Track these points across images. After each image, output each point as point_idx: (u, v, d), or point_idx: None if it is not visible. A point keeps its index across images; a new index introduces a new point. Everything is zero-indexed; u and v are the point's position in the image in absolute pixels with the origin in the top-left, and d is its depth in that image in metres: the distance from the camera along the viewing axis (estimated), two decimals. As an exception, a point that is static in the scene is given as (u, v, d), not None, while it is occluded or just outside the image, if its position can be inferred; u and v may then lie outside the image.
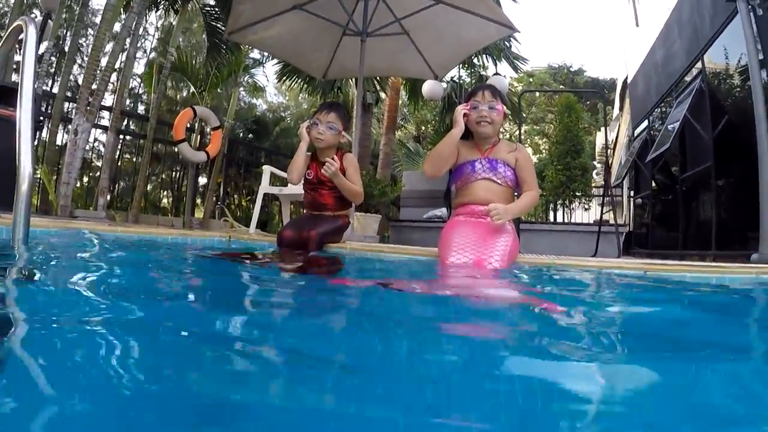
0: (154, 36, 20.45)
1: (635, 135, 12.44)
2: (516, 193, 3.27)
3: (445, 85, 11.94)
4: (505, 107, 3.24)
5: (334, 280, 2.30)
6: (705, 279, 2.80)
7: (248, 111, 22.10)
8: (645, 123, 11.38)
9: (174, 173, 14.44)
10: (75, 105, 7.26)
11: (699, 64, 7.79)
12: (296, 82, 12.11)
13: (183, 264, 2.60)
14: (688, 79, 8.39)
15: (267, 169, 6.37)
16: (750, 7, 5.51)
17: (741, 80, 6.56)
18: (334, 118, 3.64)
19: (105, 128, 8.80)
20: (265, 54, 12.24)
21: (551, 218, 15.29)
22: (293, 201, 6.42)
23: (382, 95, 12.97)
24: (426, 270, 3.00)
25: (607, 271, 2.96)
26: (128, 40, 8.23)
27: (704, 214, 7.93)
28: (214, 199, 10.97)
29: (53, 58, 14.44)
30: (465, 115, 3.12)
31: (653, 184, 10.85)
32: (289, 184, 6.46)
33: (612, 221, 7.62)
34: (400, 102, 13.89)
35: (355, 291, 1.95)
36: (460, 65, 11.32)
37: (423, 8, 6.00)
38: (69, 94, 8.72)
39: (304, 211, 3.99)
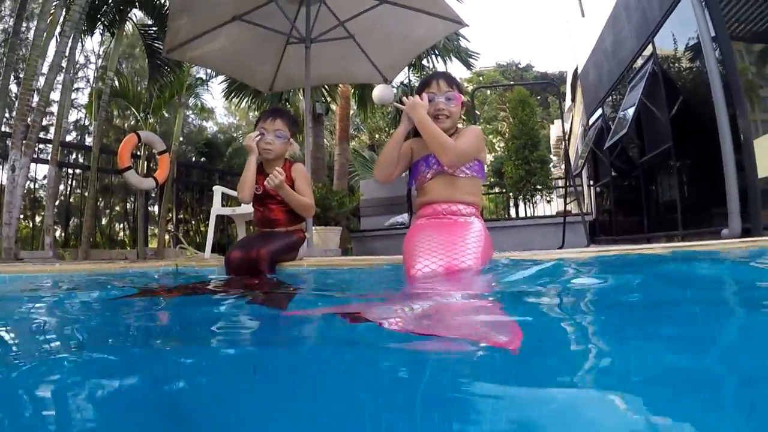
0: (96, 64, 19.97)
1: (590, 124, 12.49)
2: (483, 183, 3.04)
3: (395, 90, 11.82)
4: (463, 95, 2.96)
5: (288, 313, 1.87)
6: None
7: (199, 134, 21.79)
8: (599, 111, 11.42)
9: (128, 204, 14.01)
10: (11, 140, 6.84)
11: (650, 48, 7.81)
12: (243, 99, 11.87)
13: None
14: (639, 63, 8.42)
15: (218, 190, 6.10)
16: None
17: (693, 59, 6.57)
18: (281, 125, 3.33)
19: (47, 162, 8.38)
20: (210, 72, 11.96)
21: (513, 214, 15.29)
22: (249, 221, 6.15)
23: (333, 106, 12.79)
24: (389, 282, 2.69)
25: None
26: (63, 67, 7.85)
27: (667, 195, 7.96)
28: (169, 226, 10.60)
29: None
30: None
31: (612, 171, 10.88)
32: (242, 204, 6.22)
33: (575, 211, 7.55)
34: (352, 112, 13.73)
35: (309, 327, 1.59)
36: (410, 68, 11.23)
37: (367, 9, 5.82)
38: (10, 130, 8.24)
39: (254, 228, 3.65)
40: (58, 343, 1.40)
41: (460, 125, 3.04)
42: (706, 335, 1.21)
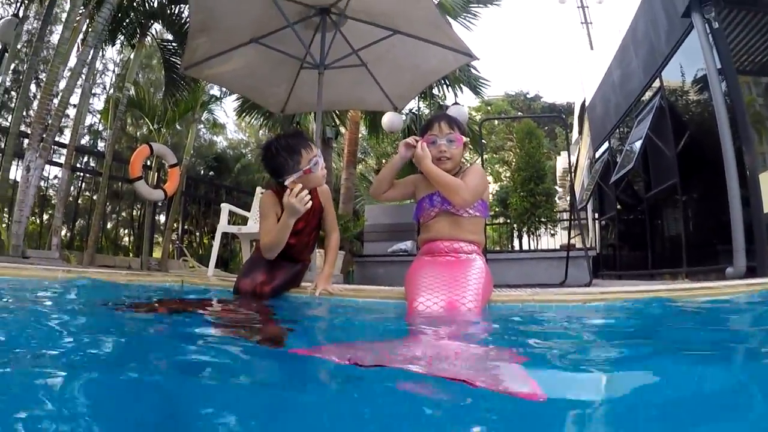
0: (114, 72, 20.21)
1: (596, 157, 12.55)
2: (486, 223, 3.11)
3: (404, 117, 11.90)
4: (464, 136, 3.05)
5: (294, 350, 1.85)
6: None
7: (209, 148, 21.95)
8: (606, 144, 11.49)
9: (134, 211, 14.13)
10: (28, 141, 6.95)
11: (657, 82, 7.88)
12: (255, 118, 11.99)
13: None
14: (647, 97, 8.49)
15: (225, 207, 6.18)
16: (705, 20, 5.60)
17: (700, 94, 6.64)
18: (317, 150, 3.12)
19: (60, 165, 8.49)
20: (224, 90, 12.09)
21: (517, 246, 15.30)
22: (253, 239, 6.22)
23: (342, 129, 12.88)
24: (394, 323, 2.60)
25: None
26: (83, 75, 7.99)
27: (672, 231, 7.97)
28: (174, 238, 10.68)
29: (13, 93, 14.11)
30: (409, 145, 2.96)
31: (618, 205, 10.92)
32: (249, 223, 6.30)
33: (579, 245, 7.59)
34: (360, 136, 13.81)
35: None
36: (419, 96, 11.31)
37: (380, 39, 5.92)
38: (29, 130, 8.34)
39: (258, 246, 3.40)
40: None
41: (467, 154, 3.14)
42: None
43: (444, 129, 2.96)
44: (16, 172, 7.65)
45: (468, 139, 3.12)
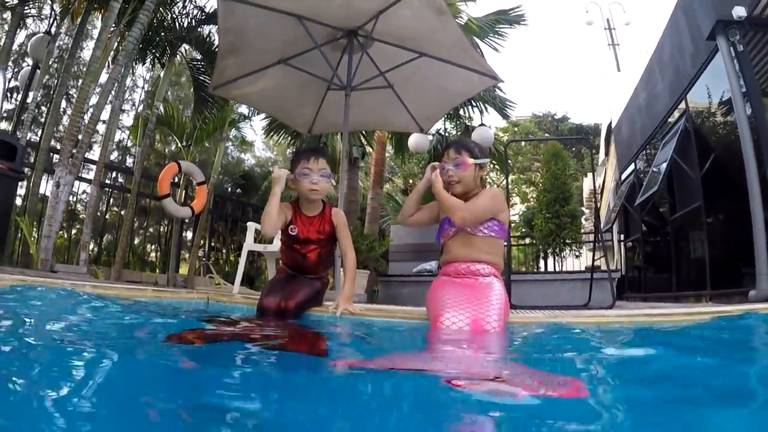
0: (143, 88, 20.51)
1: (622, 179, 12.48)
2: (506, 244, 3.17)
3: (431, 137, 11.93)
4: (471, 158, 3.08)
5: (337, 362, 1.98)
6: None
7: (236, 165, 22.08)
8: (632, 166, 11.43)
9: (162, 228, 14.29)
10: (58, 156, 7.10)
11: (683, 104, 7.85)
12: (283, 137, 12.10)
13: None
14: (672, 119, 8.46)
15: (251, 226, 6.25)
16: (730, 43, 5.60)
17: (725, 117, 6.61)
18: (324, 164, 3.29)
19: (89, 181, 8.66)
20: (252, 108, 12.25)
21: (542, 267, 15.21)
22: (279, 258, 6.28)
23: (369, 149, 12.92)
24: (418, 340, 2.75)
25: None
26: (113, 92, 8.16)
27: (697, 253, 7.91)
28: (200, 254, 10.79)
29: (43, 108, 14.40)
30: (435, 168, 3.12)
31: (643, 227, 10.84)
32: (274, 241, 6.35)
33: (603, 267, 7.53)
34: (387, 156, 13.84)
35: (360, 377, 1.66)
36: (446, 117, 11.34)
37: (407, 61, 5.98)
38: (58, 145, 8.52)
39: (281, 263, 3.68)
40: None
41: (493, 175, 3.26)
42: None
43: (452, 155, 3.11)
44: (45, 187, 7.81)
45: (485, 160, 3.18)
